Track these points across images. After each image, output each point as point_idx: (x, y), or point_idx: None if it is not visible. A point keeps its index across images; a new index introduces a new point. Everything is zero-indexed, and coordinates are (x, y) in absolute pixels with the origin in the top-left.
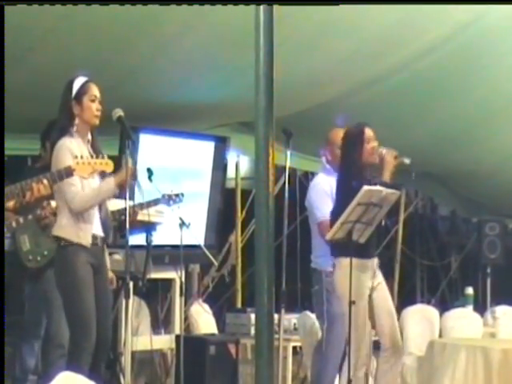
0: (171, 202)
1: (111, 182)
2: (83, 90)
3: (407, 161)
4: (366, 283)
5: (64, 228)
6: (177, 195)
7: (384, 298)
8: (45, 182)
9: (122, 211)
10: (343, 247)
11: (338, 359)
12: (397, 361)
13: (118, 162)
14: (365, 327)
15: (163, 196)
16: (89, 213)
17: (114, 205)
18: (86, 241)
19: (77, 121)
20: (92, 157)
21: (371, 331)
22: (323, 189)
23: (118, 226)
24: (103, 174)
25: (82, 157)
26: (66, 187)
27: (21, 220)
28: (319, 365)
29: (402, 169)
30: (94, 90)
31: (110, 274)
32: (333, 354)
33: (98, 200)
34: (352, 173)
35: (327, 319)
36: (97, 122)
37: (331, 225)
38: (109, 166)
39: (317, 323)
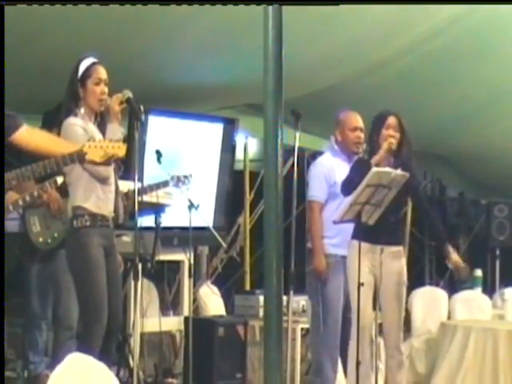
0: (180, 184)
1: (115, 128)
2: (88, 72)
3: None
4: (365, 267)
5: (83, 198)
6: (185, 177)
7: (393, 291)
8: (58, 180)
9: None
10: (355, 230)
11: (337, 340)
12: (399, 357)
13: (126, 141)
14: (365, 311)
15: (172, 178)
16: (107, 183)
17: (123, 186)
18: (107, 211)
19: (81, 103)
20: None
21: (374, 314)
22: (321, 170)
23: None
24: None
25: (94, 140)
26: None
27: (27, 198)
28: (319, 347)
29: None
30: (100, 73)
31: (118, 257)
32: (331, 336)
33: None
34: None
35: (322, 302)
36: (100, 105)
37: None
38: (121, 150)
39: None
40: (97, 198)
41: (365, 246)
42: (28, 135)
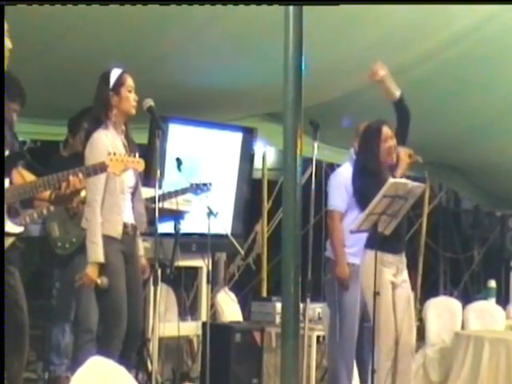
0: (199, 191)
1: (91, 269)
2: (120, 81)
3: (420, 159)
4: (387, 277)
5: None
6: (205, 184)
7: (405, 297)
8: (80, 176)
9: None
10: (370, 240)
11: (353, 348)
12: (409, 360)
13: (147, 151)
14: (389, 320)
15: (191, 185)
16: (118, 204)
17: (144, 193)
18: (116, 232)
19: (114, 111)
20: (126, 151)
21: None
22: (342, 180)
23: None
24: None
25: (115, 153)
26: (92, 186)
27: (51, 208)
28: (335, 355)
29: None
30: (131, 81)
31: (144, 262)
32: (347, 344)
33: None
34: (366, 169)
35: (339, 310)
36: (134, 111)
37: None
38: (140, 165)
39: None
40: (105, 220)
41: (388, 256)
42: None
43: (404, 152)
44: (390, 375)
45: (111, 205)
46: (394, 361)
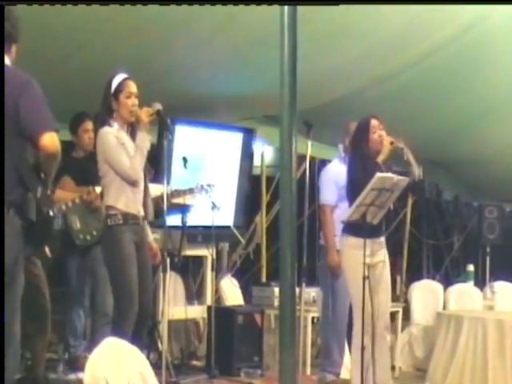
0: (203, 192)
1: (144, 136)
2: (120, 87)
3: (401, 145)
4: (359, 260)
5: (114, 198)
6: (209, 185)
7: (381, 276)
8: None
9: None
10: (347, 227)
11: (344, 327)
12: (382, 336)
13: (156, 150)
14: (361, 297)
15: (196, 186)
16: (136, 185)
17: (154, 189)
18: (136, 210)
19: (115, 115)
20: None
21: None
22: (330, 176)
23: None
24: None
25: None
26: (116, 163)
27: (69, 204)
28: (328, 334)
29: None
30: (131, 87)
31: (155, 247)
32: (338, 324)
33: (142, 157)
34: (359, 160)
35: (331, 293)
36: (132, 116)
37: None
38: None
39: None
40: (126, 199)
41: (361, 240)
42: None
43: (386, 139)
44: (368, 349)
45: (121, 191)
46: (372, 335)
